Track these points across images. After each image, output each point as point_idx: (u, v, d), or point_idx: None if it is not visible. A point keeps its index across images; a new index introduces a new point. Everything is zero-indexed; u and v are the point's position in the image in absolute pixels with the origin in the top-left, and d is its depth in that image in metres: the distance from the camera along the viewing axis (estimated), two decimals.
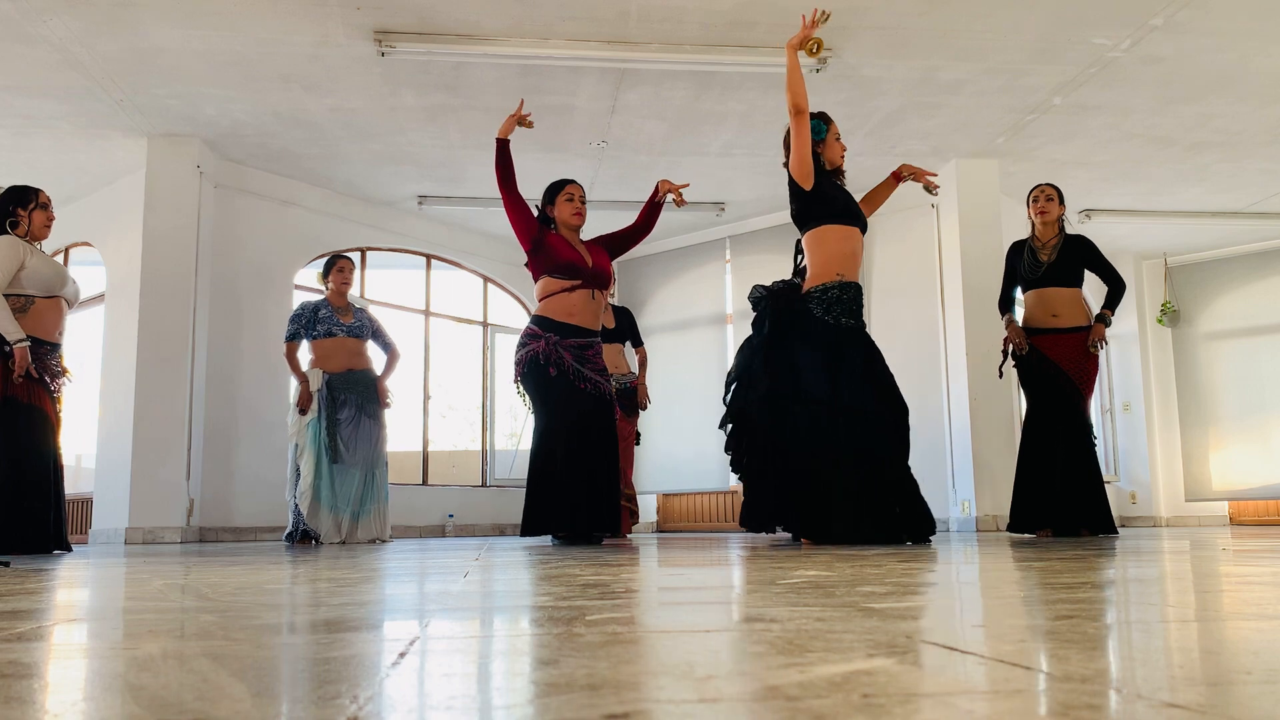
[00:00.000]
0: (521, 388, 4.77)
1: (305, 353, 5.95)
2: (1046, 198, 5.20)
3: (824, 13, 4.14)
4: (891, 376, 4.23)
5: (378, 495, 5.87)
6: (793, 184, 4.25)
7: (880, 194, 4.62)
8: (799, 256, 4.43)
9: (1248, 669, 0.80)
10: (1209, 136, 6.98)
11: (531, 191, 7.94)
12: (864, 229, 4.34)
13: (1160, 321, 9.90)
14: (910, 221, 7.86)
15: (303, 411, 5.74)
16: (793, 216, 4.35)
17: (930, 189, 4.48)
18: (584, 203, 4.89)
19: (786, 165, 4.30)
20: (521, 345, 4.68)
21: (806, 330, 4.18)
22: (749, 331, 4.47)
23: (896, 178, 4.54)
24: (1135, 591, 1.61)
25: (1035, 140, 7.08)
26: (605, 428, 4.66)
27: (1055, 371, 5.03)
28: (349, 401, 5.80)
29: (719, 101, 6.41)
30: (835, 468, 4.02)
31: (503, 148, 4.69)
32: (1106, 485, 5.35)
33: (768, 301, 4.33)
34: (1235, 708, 0.64)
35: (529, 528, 4.55)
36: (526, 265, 4.84)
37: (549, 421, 4.58)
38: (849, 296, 4.20)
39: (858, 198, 4.46)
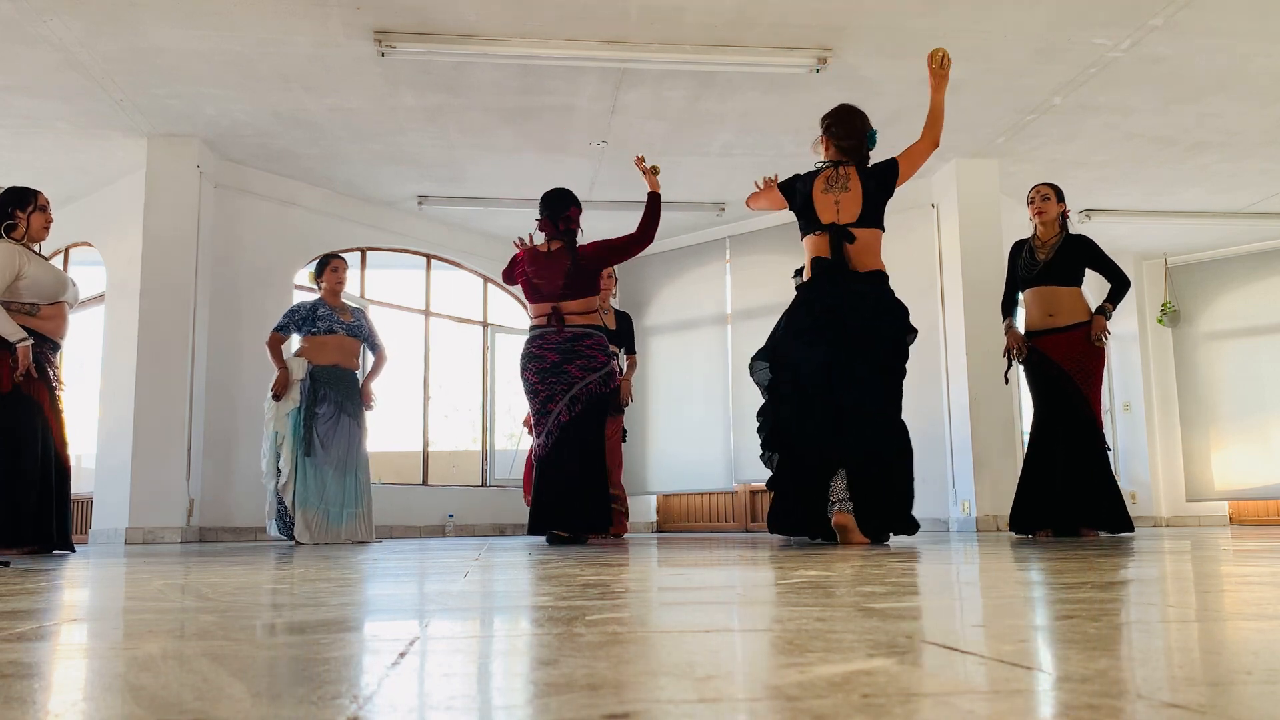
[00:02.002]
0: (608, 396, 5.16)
1: (294, 347, 5.93)
2: (1043, 197, 5.18)
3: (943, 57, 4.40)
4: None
5: (361, 498, 5.79)
6: (892, 188, 4.33)
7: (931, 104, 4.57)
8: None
9: (1248, 669, 0.80)
10: (1209, 136, 6.98)
11: (531, 191, 7.94)
12: None
13: (1160, 321, 9.90)
14: (910, 221, 7.86)
15: (277, 397, 5.68)
16: (882, 216, 4.33)
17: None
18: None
19: (887, 172, 4.34)
20: (612, 357, 5.14)
21: (883, 313, 4.19)
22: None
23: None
24: (1135, 591, 1.61)
25: (1035, 140, 7.08)
26: None
27: (1057, 372, 5.00)
28: (329, 398, 5.73)
29: (719, 101, 6.40)
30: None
31: (660, 201, 5.12)
32: None
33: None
34: (1235, 708, 0.64)
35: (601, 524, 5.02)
36: (603, 264, 5.16)
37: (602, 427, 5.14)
38: None
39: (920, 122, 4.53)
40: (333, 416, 5.72)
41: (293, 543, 5.59)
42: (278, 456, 5.64)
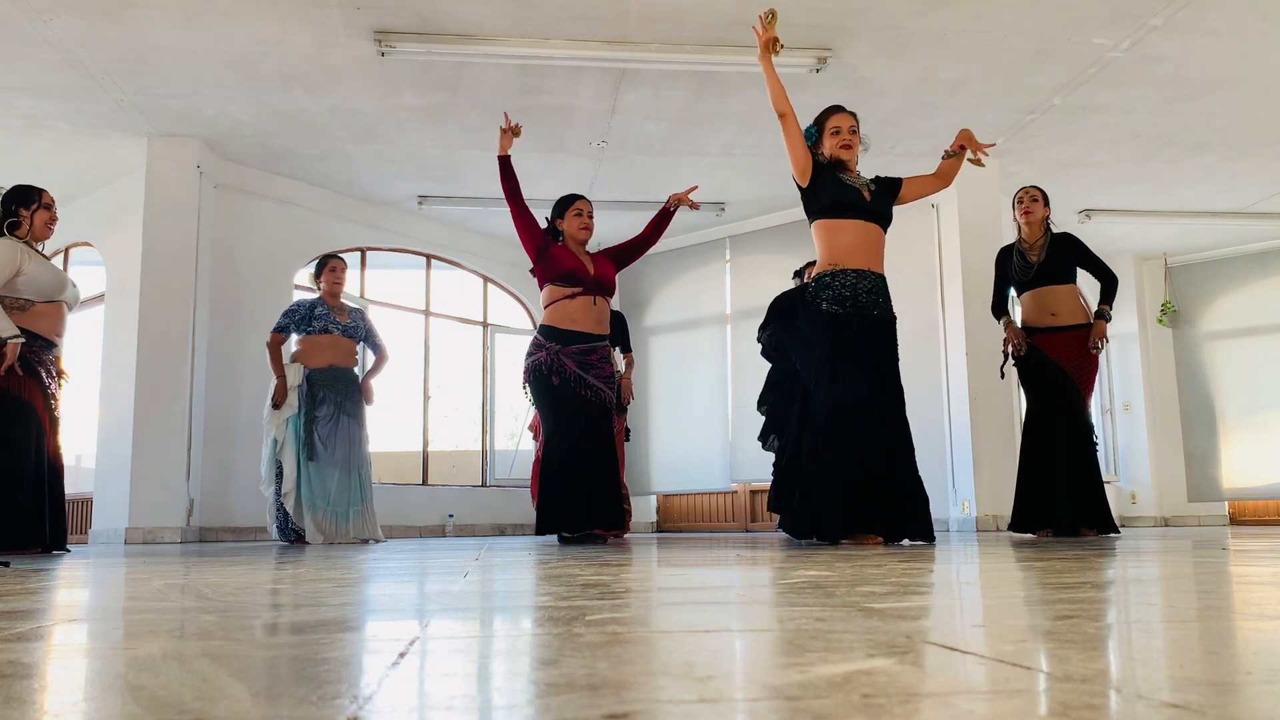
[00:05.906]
0: (529, 391, 5.02)
1: (290, 349, 5.92)
2: (1031, 199, 5.21)
3: (770, 11, 4.08)
4: (894, 367, 4.18)
5: (364, 495, 5.78)
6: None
7: (945, 171, 4.43)
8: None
9: (1248, 669, 0.80)
10: (1209, 136, 6.98)
11: (531, 191, 7.92)
12: (874, 220, 4.22)
13: (1160, 321, 9.90)
14: (910, 221, 7.84)
15: (276, 406, 5.67)
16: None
17: (975, 159, 4.31)
18: (591, 218, 5.07)
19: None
20: (529, 354, 4.90)
21: (807, 319, 4.21)
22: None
23: (948, 155, 4.39)
24: (1135, 591, 1.61)
25: (1035, 140, 7.08)
26: (606, 433, 4.93)
27: (1056, 371, 5.03)
28: (328, 399, 5.71)
29: (719, 102, 6.40)
30: (822, 463, 4.01)
31: (505, 164, 4.90)
32: (1106, 485, 5.34)
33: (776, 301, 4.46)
34: (1235, 708, 0.64)
35: (540, 527, 4.86)
36: (531, 273, 5.00)
37: (553, 428, 4.85)
38: (847, 284, 4.12)
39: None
40: (332, 417, 5.71)
41: (289, 544, 5.58)
42: (277, 463, 5.64)
